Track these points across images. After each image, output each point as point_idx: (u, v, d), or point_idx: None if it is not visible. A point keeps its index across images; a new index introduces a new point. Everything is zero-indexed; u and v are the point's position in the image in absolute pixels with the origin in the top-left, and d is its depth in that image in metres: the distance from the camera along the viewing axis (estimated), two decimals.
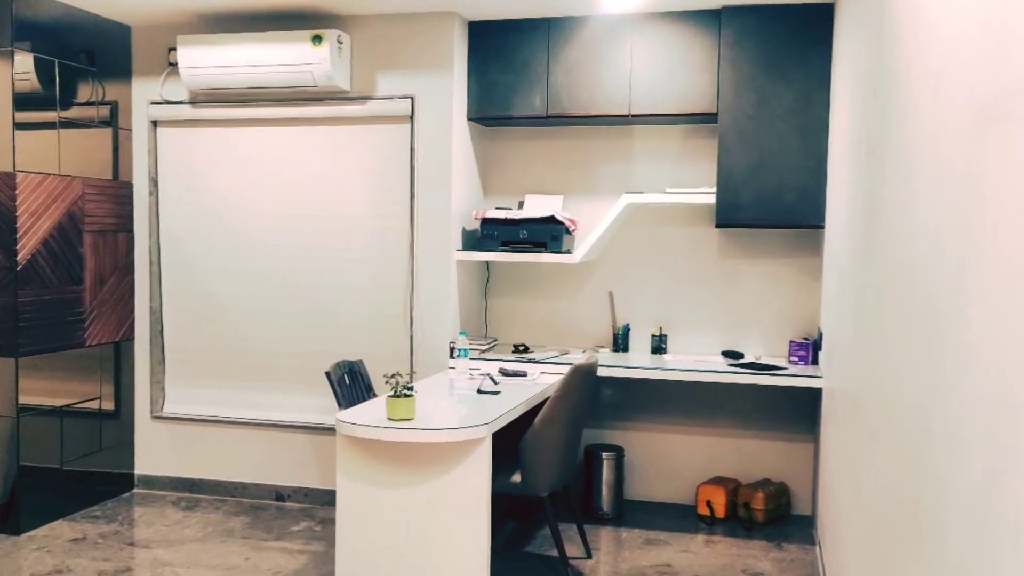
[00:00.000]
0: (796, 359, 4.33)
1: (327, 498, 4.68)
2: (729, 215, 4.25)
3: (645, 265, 4.75)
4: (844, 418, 3.02)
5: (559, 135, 4.84)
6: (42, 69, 4.26)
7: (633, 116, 4.38)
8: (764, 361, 4.39)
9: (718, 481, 4.54)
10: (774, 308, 4.59)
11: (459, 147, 4.55)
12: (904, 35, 1.97)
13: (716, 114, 4.26)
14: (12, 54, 4.09)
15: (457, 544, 3.21)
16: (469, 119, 4.62)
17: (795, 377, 4.06)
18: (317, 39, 4.32)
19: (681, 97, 4.31)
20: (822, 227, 4.17)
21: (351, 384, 4.10)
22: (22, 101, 4.15)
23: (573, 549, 4.02)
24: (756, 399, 4.61)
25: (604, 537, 4.26)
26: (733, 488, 4.49)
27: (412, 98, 4.49)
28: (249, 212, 4.77)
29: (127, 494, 4.88)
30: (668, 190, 4.47)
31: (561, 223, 4.44)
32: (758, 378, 4.08)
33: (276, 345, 4.78)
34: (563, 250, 4.45)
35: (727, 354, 4.53)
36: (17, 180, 4.11)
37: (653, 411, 4.75)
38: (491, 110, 4.57)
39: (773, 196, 4.20)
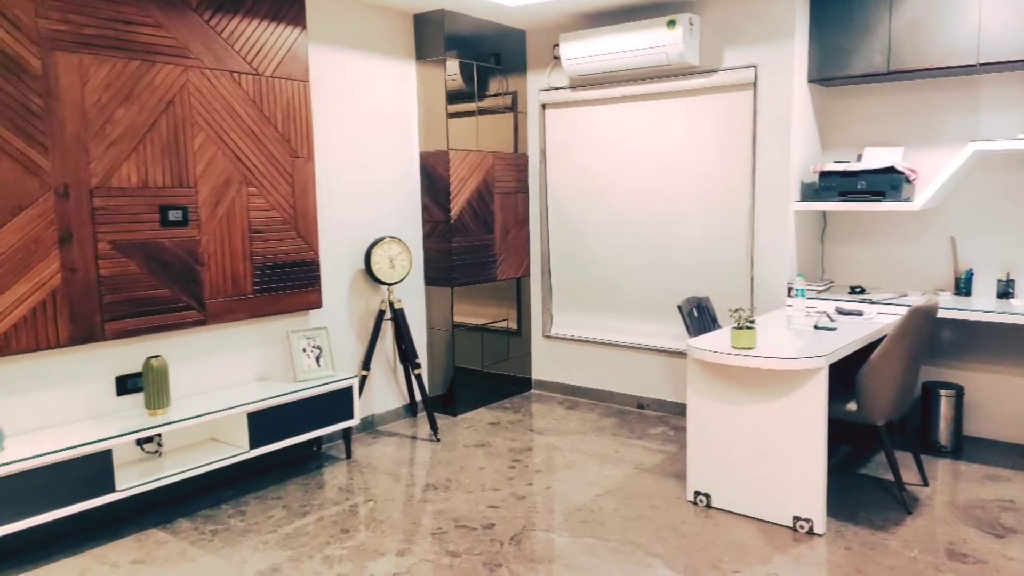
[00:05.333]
0: None
1: (678, 409, 4.76)
2: None
3: (992, 211, 4.06)
4: None
5: (899, 90, 4.28)
6: (464, 70, 4.74)
7: (981, 65, 3.72)
8: None
9: None
10: None
11: (799, 108, 4.24)
12: None
13: None
14: (444, 61, 4.60)
15: (794, 460, 3.10)
16: (809, 81, 4.27)
17: None
18: (671, 23, 4.26)
19: None
20: None
21: (699, 316, 4.09)
22: (451, 96, 4.67)
23: (909, 476, 3.66)
24: None
25: (941, 468, 3.81)
26: None
27: (755, 67, 4.26)
28: (614, 174, 4.91)
29: (526, 393, 5.39)
30: (1020, 136, 3.75)
31: (901, 173, 3.95)
32: None
33: (635, 283, 4.91)
34: (903, 198, 3.97)
35: None
36: (449, 156, 4.66)
37: (998, 354, 4.10)
38: (830, 71, 4.17)
39: None
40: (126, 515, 3.38)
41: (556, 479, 3.74)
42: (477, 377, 4.98)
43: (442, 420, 4.75)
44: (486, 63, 4.89)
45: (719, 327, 4.21)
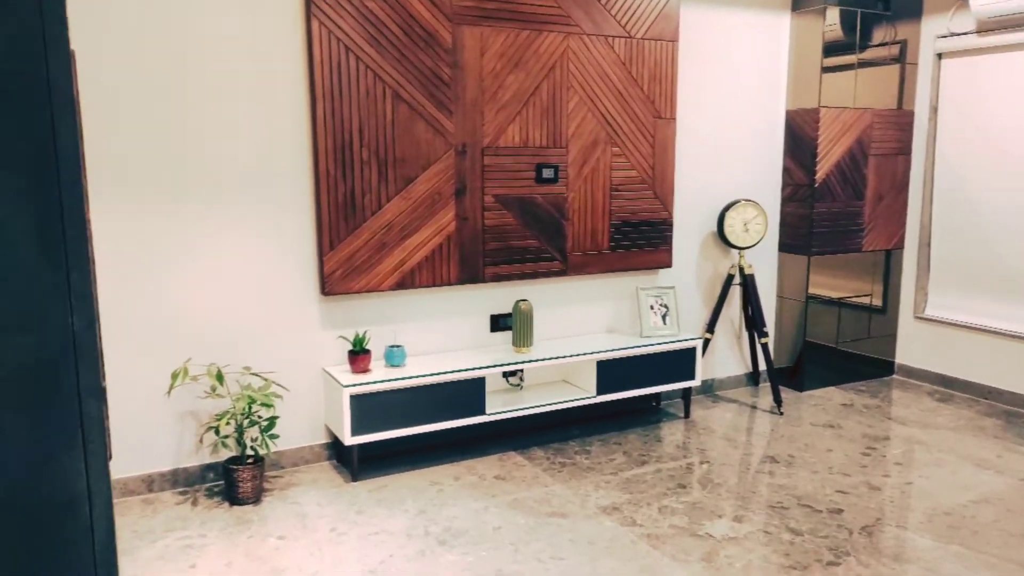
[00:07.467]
0: None
1: None
2: None
3: None
4: None
5: None
6: (845, 19, 4.37)
7: None
8: None
9: None
10: None
11: None
12: None
13: None
14: (824, 10, 4.29)
15: None
16: None
17: None
18: None
19: None
20: None
21: None
22: (828, 49, 4.34)
23: None
24: None
25: None
26: None
27: None
28: None
29: (887, 378, 4.92)
30: None
31: None
32: None
33: None
34: None
35: None
36: (820, 114, 4.37)
37: None
38: None
39: None
40: (490, 436, 3.89)
41: (919, 475, 3.40)
42: (829, 354, 4.69)
43: (786, 394, 4.58)
44: (872, 9, 4.44)
45: None
